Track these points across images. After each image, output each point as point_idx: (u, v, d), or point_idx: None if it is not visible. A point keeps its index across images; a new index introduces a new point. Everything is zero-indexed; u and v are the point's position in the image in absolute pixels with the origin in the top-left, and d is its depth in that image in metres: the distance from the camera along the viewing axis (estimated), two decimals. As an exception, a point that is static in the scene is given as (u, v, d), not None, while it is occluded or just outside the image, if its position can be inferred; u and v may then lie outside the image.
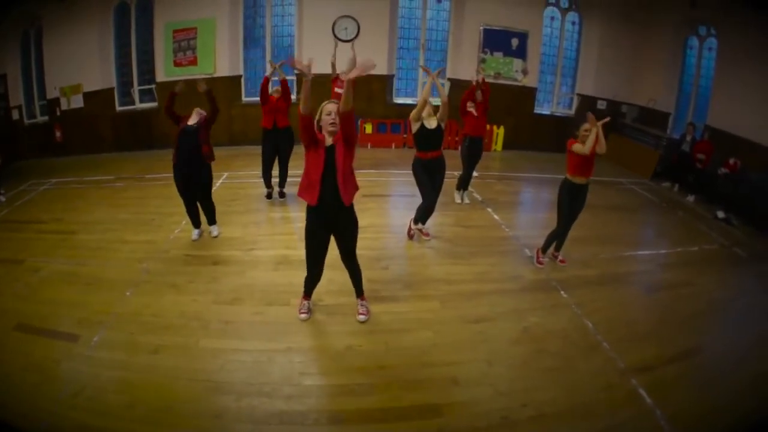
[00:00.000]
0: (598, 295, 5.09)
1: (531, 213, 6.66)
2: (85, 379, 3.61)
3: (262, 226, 6.59)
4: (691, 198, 8.97)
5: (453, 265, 5.50)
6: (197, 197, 5.99)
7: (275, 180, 7.51)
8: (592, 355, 4.10)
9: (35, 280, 5.16)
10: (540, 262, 5.67)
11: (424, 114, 5.67)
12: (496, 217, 7.06)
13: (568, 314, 4.68)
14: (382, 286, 4.94)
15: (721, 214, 7.99)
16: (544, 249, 5.69)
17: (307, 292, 4.50)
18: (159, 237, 6.13)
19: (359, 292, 4.52)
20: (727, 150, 8.75)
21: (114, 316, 4.41)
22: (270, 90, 7.28)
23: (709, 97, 10.14)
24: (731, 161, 8.54)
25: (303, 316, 4.43)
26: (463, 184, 7.62)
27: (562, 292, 5.05)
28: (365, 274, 4.57)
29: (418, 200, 6.15)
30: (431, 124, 5.69)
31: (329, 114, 3.82)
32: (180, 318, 4.39)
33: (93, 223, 6.70)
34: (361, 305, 4.50)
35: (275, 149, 7.25)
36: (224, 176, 8.45)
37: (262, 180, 7.43)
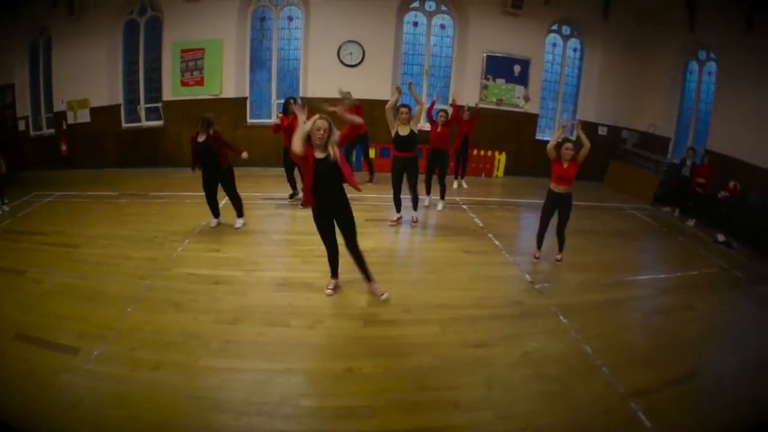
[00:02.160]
0: (597, 320, 5.09)
1: (532, 239, 6.66)
2: (83, 391, 3.61)
3: (264, 248, 6.61)
4: (691, 222, 9.02)
5: (453, 290, 5.50)
6: (224, 189, 6.94)
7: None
8: (591, 379, 4.10)
9: (37, 291, 5.18)
10: (536, 257, 6.55)
11: (398, 123, 6.94)
12: (497, 242, 7.08)
13: (568, 339, 4.69)
14: (383, 309, 4.95)
15: (720, 238, 8.04)
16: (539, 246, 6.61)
17: (333, 272, 5.20)
18: (161, 254, 6.15)
19: (368, 277, 5.09)
20: (727, 173, 8.84)
21: (114, 331, 4.42)
22: (278, 114, 8.13)
23: (708, 121, 10.25)
24: (731, 184, 8.61)
25: (328, 291, 5.16)
26: (425, 188, 8.51)
27: (561, 318, 5.06)
28: (366, 298, 4.68)
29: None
30: (404, 131, 6.95)
31: (319, 129, 4.38)
32: (180, 336, 4.39)
33: (95, 238, 6.74)
34: (377, 287, 5.12)
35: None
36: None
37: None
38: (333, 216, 4.85)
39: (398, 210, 7.50)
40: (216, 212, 7.09)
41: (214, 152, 6.62)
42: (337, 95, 8.62)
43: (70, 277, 5.49)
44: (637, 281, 6.35)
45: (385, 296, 5.06)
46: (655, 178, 10.47)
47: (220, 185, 6.90)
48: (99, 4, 10.43)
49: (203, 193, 6.93)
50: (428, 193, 8.61)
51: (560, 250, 6.48)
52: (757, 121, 8.76)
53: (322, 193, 4.61)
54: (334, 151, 4.48)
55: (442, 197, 8.52)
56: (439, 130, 8.14)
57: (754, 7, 8.62)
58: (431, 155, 8.26)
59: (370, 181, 9.83)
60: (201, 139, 6.61)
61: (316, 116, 4.46)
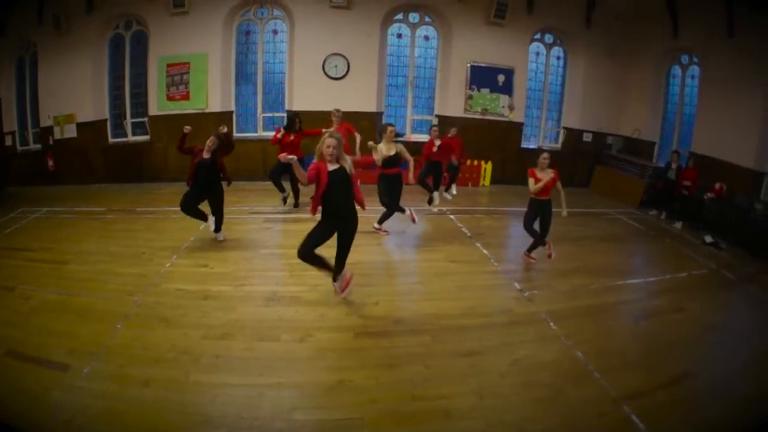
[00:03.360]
0: (587, 326, 5.13)
1: (520, 247, 6.72)
2: (74, 408, 3.58)
3: (253, 262, 6.57)
4: (678, 225, 9.15)
5: (442, 300, 5.52)
6: (211, 205, 6.93)
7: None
8: (583, 384, 4.12)
9: (26, 308, 5.13)
10: (533, 258, 6.67)
11: (384, 141, 7.04)
12: (485, 251, 7.12)
13: (558, 345, 4.72)
14: (373, 321, 4.95)
15: (708, 239, 8.16)
16: (529, 250, 6.69)
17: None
18: (149, 270, 6.11)
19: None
20: (712, 175, 9.00)
21: (104, 347, 4.38)
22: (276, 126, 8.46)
23: (692, 124, 10.43)
24: (716, 186, 8.77)
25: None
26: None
27: (551, 324, 5.09)
28: (355, 310, 4.78)
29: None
30: (390, 150, 6.97)
31: (329, 147, 4.72)
32: (170, 351, 4.36)
33: (83, 254, 6.68)
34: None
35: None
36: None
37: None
38: (338, 228, 4.96)
39: (403, 211, 7.56)
40: (204, 216, 7.03)
41: (217, 170, 6.76)
42: (322, 108, 8.79)
43: (58, 294, 5.44)
44: (627, 285, 6.42)
45: (344, 293, 5.18)
46: (641, 183, 10.61)
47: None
48: (85, 19, 10.43)
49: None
50: (430, 190, 8.78)
51: (548, 247, 6.58)
52: (740, 122, 8.96)
53: (333, 204, 4.81)
54: (349, 166, 4.86)
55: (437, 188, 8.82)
56: (436, 145, 8.42)
57: (735, 12, 8.81)
58: (428, 166, 8.51)
59: None
60: (207, 156, 6.65)
61: (326, 134, 4.84)
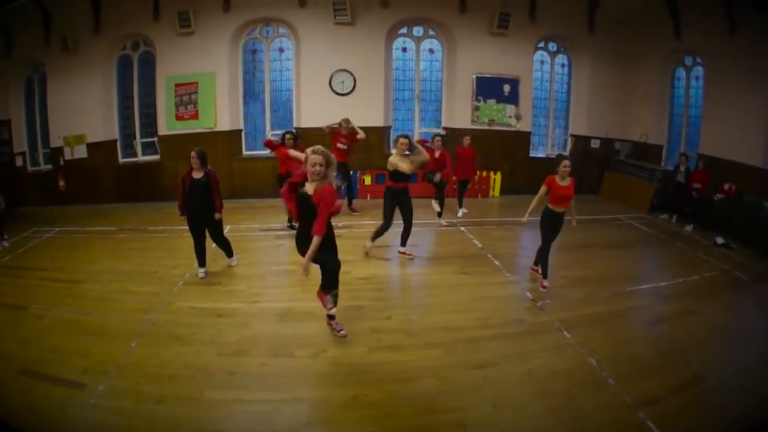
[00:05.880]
0: (600, 333, 5.11)
1: (531, 257, 6.68)
2: (90, 426, 3.62)
3: (266, 279, 6.62)
4: (689, 227, 9.08)
5: (455, 312, 5.50)
6: (210, 235, 6.51)
7: None
8: (597, 392, 4.10)
9: (39, 327, 5.19)
10: (535, 270, 6.46)
11: (397, 153, 6.68)
12: (496, 262, 7.11)
13: (572, 354, 4.69)
14: (386, 335, 4.95)
15: (719, 240, 8.10)
16: (536, 262, 6.45)
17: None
18: (162, 289, 6.16)
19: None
20: (720, 176, 8.96)
21: (119, 366, 4.42)
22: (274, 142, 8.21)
23: (699, 125, 10.38)
24: (726, 186, 8.73)
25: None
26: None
27: (564, 333, 5.07)
28: (368, 324, 4.81)
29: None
30: (403, 164, 6.59)
31: (314, 165, 4.22)
32: (185, 369, 4.39)
33: (96, 273, 6.77)
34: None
35: None
36: (226, 229, 8.43)
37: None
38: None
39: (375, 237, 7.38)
40: (203, 260, 6.54)
41: (210, 191, 6.23)
42: (330, 124, 8.99)
43: (72, 313, 5.50)
44: (639, 291, 6.36)
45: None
46: (651, 187, 10.56)
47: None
48: (92, 39, 10.62)
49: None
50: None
51: (542, 271, 6.32)
52: (747, 121, 8.91)
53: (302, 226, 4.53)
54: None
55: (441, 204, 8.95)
56: (437, 155, 8.48)
57: (736, 11, 8.82)
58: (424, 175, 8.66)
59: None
60: (198, 175, 6.18)
61: (309, 150, 4.31)
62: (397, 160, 6.61)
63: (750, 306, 6.05)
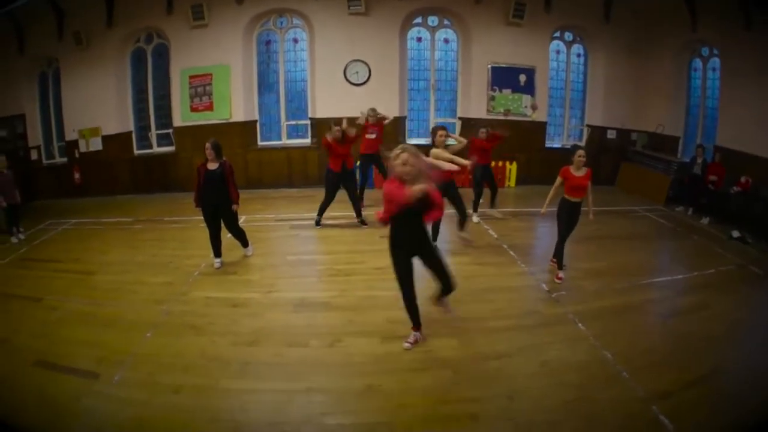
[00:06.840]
0: (615, 326, 5.05)
1: (547, 248, 6.62)
2: (105, 416, 3.66)
3: (280, 269, 6.62)
4: (705, 220, 8.96)
5: (470, 303, 5.46)
6: (225, 225, 6.52)
7: None
8: (611, 385, 4.07)
9: (53, 318, 5.26)
10: (554, 262, 6.35)
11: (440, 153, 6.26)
12: (512, 253, 7.06)
13: (586, 346, 4.65)
14: (401, 325, 4.90)
15: (735, 234, 7.97)
16: (555, 254, 6.30)
17: (414, 322, 4.67)
18: (177, 279, 6.21)
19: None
20: (738, 168, 8.81)
21: (134, 356, 4.47)
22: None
23: (716, 117, 10.21)
24: (743, 179, 8.59)
25: (406, 345, 4.60)
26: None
27: (579, 325, 5.02)
28: (383, 315, 4.79)
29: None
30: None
31: (405, 164, 3.87)
32: (200, 359, 4.43)
33: (111, 264, 6.84)
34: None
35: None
36: (242, 219, 8.48)
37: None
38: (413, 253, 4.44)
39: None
40: (218, 251, 6.59)
41: (225, 182, 6.25)
42: (345, 115, 8.78)
43: (86, 304, 5.57)
44: (654, 283, 6.30)
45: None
46: (667, 179, 10.41)
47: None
48: (105, 34, 10.70)
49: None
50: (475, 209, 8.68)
51: (558, 263, 6.33)
52: (764, 115, 8.72)
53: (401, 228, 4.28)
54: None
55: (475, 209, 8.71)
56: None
57: (752, 9, 8.64)
58: (483, 170, 8.46)
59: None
60: (213, 167, 6.21)
61: (398, 149, 3.95)
62: (439, 153, 6.28)
63: (765, 301, 5.95)
